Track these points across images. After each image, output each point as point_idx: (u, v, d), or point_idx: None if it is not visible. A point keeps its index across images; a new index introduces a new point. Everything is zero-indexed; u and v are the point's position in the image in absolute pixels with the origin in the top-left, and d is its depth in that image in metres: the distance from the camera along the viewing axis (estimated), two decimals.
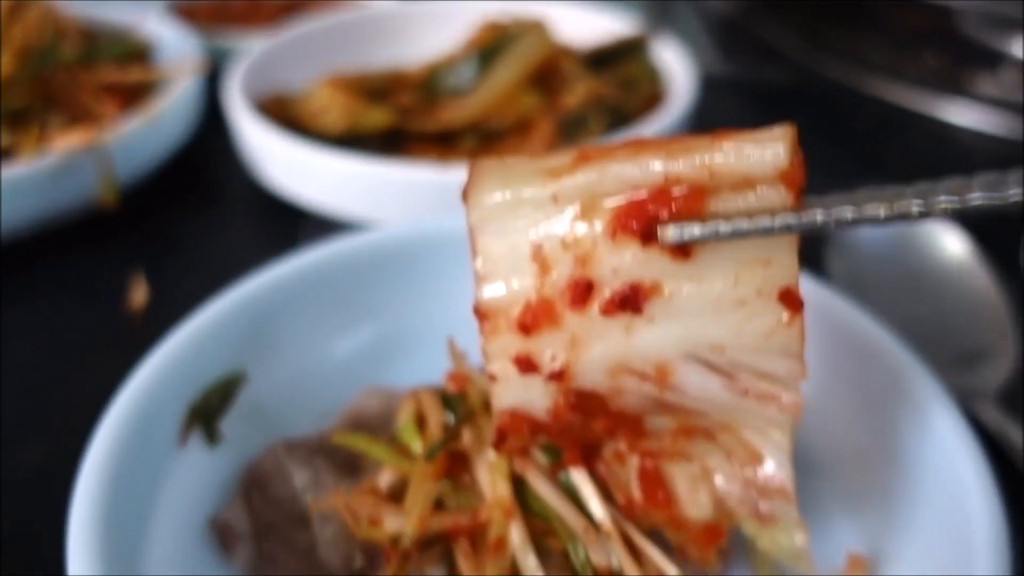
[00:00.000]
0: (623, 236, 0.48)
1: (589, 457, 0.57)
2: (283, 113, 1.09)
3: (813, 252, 0.92)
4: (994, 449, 0.68)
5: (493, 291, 0.51)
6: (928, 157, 1.22)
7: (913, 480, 0.63)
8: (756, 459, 0.54)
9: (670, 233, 0.46)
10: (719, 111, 1.33)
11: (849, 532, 0.64)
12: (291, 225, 1.02)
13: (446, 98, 1.07)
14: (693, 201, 0.46)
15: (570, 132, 1.02)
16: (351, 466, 0.67)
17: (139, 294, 0.95)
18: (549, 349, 0.50)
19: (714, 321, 0.48)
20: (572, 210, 0.49)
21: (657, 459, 0.55)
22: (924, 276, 0.88)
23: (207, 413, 0.69)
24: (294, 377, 0.75)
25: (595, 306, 0.49)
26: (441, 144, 1.05)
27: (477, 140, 1.04)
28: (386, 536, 0.58)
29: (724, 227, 0.45)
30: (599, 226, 0.48)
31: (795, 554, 0.54)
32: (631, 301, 0.48)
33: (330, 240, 0.80)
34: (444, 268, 0.82)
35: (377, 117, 1.04)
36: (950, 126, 1.26)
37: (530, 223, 0.50)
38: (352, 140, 1.03)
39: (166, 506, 0.63)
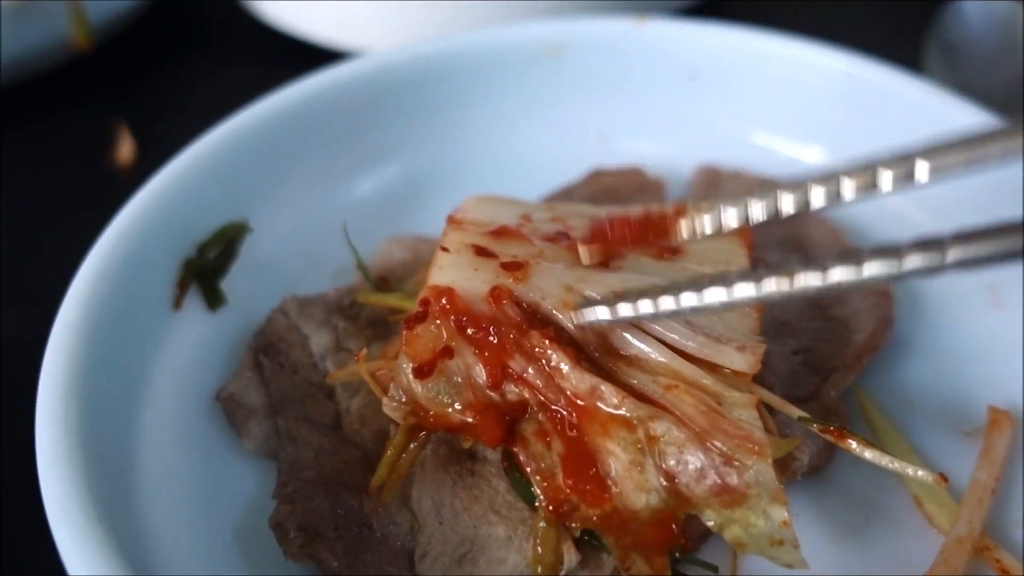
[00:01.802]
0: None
1: (508, 437, 0.45)
2: None
3: (911, 54, 0.79)
4: None
5: (472, 212, 0.53)
6: None
7: None
8: (716, 416, 0.42)
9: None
10: None
11: (986, 384, 0.53)
12: (297, 66, 0.89)
13: None
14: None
15: None
16: (377, 326, 0.56)
17: (125, 147, 0.83)
18: (513, 251, 0.49)
19: (676, 277, 0.48)
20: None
21: (587, 430, 0.43)
22: None
23: (205, 270, 0.58)
24: (304, 226, 0.63)
25: (565, 243, 0.51)
26: None
27: None
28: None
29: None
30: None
31: (776, 539, 0.40)
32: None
33: (339, 64, 0.67)
34: (472, 95, 0.70)
35: None
36: None
37: (522, 208, 0.55)
38: None
39: (159, 381, 0.53)
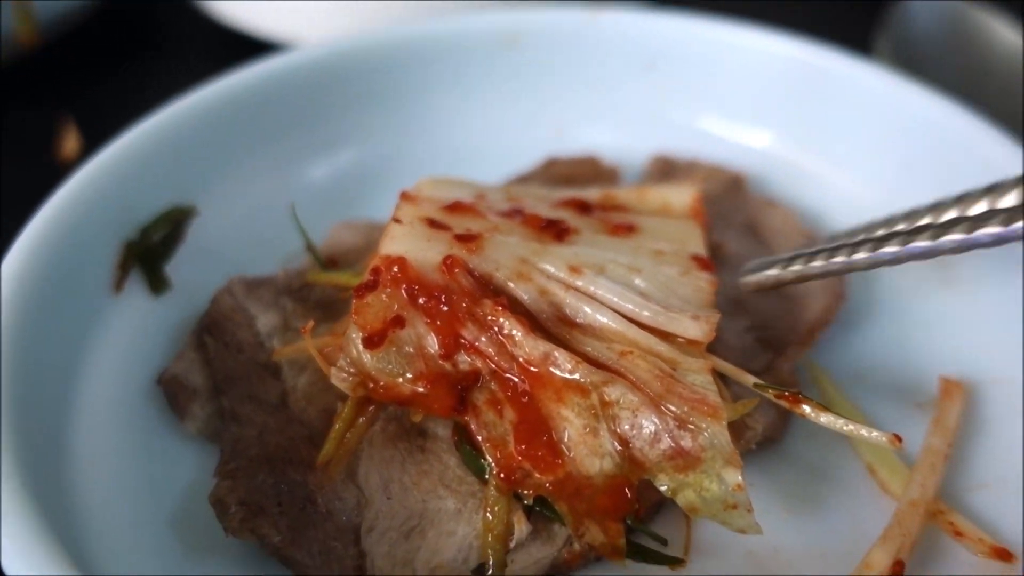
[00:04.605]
0: (562, 208, 0.53)
1: (460, 407, 0.44)
2: None
3: (860, 36, 0.79)
4: None
5: (427, 190, 0.53)
6: None
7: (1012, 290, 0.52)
8: (670, 381, 0.42)
9: None
10: None
11: (938, 358, 0.53)
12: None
13: None
14: (619, 209, 0.55)
15: None
16: (327, 307, 0.55)
17: (70, 142, 0.81)
18: (467, 225, 0.49)
19: (633, 255, 0.49)
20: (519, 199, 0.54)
21: (540, 396, 0.43)
22: (979, 67, 0.75)
23: (148, 253, 0.56)
24: (254, 211, 0.62)
25: (519, 219, 0.51)
26: None
27: None
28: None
29: None
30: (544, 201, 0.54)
31: (729, 503, 0.40)
32: (555, 228, 0.50)
33: (292, 50, 0.66)
34: (426, 83, 0.69)
35: None
36: None
37: (477, 189, 0.54)
38: None
39: (97, 364, 0.51)
